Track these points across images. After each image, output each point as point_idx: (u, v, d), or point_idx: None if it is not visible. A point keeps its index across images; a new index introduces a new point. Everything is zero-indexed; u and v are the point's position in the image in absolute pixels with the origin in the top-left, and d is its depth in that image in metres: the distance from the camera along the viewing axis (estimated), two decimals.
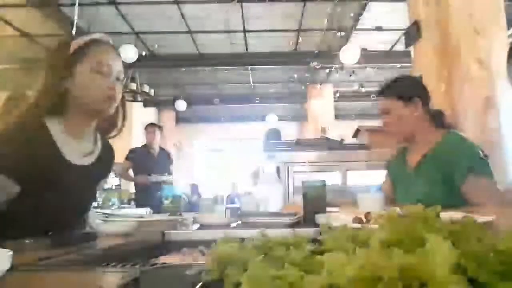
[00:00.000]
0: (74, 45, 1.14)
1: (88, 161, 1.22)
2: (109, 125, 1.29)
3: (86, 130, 1.22)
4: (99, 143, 1.28)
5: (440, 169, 1.43)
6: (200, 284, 0.41)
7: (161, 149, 4.57)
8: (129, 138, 8.90)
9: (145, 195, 4.26)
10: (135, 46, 5.94)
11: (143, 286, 0.56)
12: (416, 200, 1.49)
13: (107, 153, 1.31)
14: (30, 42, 6.28)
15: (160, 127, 4.61)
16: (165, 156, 4.57)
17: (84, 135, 1.21)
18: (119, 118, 1.29)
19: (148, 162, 4.37)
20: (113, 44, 1.22)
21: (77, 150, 1.18)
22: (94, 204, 5.17)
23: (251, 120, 11.18)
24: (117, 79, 1.18)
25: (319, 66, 7.13)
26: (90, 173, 1.22)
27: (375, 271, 0.26)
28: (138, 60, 5.91)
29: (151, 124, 4.62)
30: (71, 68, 1.13)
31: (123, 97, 1.25)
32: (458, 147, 1.44)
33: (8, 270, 0.57)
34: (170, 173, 4.38)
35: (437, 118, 1.60)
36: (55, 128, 1.13)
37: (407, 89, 1.60)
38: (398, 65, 6.71)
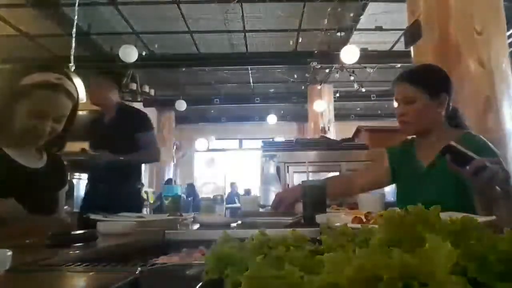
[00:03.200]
0: (27, 80, 1.22)
1: (38, 164, 1.34)
2: (54, 142, 1.39)
3: (25, 147, 1.32)
4: (44, 154, 1.39)
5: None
6: (200, 284, 0.41)
7: (122, 110, 2.57)
8: None
9: (92, 192, 2.54)
10: (135, 46, 5.93)
11: (143, 286, 0.56)
12: (426, 201, 1.44)
13: (56, 163, 1.42)
14: (30, 42, 6.29)
15: (113, 76, 2.65)
16: (124, 122, 2.50)
17: (24, 149, 1.31)
18: (65, 138, 1.42)
19: (95, 135, 2.59)
20: (65, 86, 1.28)
21: (24, 155, 1.30)
22: None
23: (251, 120, 11.19)
24: (55, 120, 1.27)
25: (319, 66, 7.14)
26: (42, 176, 1.32)
27: (375, 271, 0.26)
28: (138, 60, 5.91)
29: (97, 73, 2.66)
30: (15, 100, 1.22)
31: (70, 119, 1.35)
32: (478, 151, 1.24)
33: (8, 270, 0.57)
34: (148, 149, 2.50)
35: (452, 117, 1.49)
36: None
37: (437, 82, 1.45)
38: (398, 65, 6.71)
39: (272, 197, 1.68)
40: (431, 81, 1.45)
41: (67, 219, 1.21)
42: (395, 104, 1.49)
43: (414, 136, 1.57)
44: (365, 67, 7.07)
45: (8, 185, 1.20)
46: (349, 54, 5.64)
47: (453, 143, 1.11)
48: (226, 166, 11.48)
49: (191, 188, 8.15)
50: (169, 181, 8.54)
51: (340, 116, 9.73)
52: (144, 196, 8.49)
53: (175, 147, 10.71)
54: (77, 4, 4.19)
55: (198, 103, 9.85)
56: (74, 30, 4.05)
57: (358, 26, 6.11)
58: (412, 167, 1.53)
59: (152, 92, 7.23)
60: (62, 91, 1.27)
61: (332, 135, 7.77)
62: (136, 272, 0.57)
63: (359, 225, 0.92)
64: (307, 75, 7.95)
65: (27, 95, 1.21)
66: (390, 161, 1.63)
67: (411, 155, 1.55)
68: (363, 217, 1.04)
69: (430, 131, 1.46)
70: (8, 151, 1.25)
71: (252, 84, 9.04)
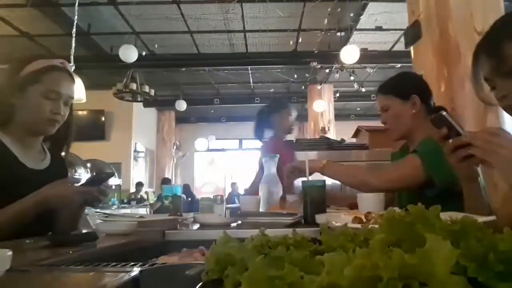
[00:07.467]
0: (31, 67, 1.23)
1: (42, 166, 1.32)
2: (58, 141, 1.41)
3: (31, 142, 1.31)
4: (48, 154, 1.38)
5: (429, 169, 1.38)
6: (200, 284, 0.41)
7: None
8: (129, 139, 8.91)
9: None
10: (135, 46, 5.93)
11: (143, 286, 0.56)
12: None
13: (58, 164, 1.40)
14: (30, 42, 6.28)
15: None
16: None
17: (30, 145, 1.31)
18: (69, 136, 1.42)
19: None
20: (69, 70, 1.33)
21: (30, 156, 1.28)
22: None
23: (251, 120, 11.15)
24: (65, 104, 1.29)
25: (319, 66, 7.13)
26: (46, 177, 1.27)
27: (375, 271, 0.26)
28: (138, 60, 5.90)
29: None
30: (23, 88, 1.22)
31: (71, 116, 1.36)
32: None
33: (8, 270, 0.57)
34: None
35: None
36: (4, 138, 1.23)
37: (404, 86, 1.58)
38: (398, 65, 6.71)
39: (271, 197, 1.68)
40: (399, 86, 1.58)
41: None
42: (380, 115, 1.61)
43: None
44: (365, 67, 7.06)
45: (9, 184, 1.16)
46: (349, 54, 5.63)
47: (444, 112, 1.06)
48: (226, 166, 11.47)
49: (186, 189, 8.05)
50: (165, 180, 8.43)
51: (340, 116, 9.73)
52: (144, 196, 8.48)
53: (175, 147, 10.72)
54: (77, 4, 4.18)
55: (198, 103, 9.85)
56: (74, 30, 4.04)
57: (358, 26, 6.11)
58: None
59: (152, 92, 7.22)
60: (67, 73, 1.31)
61: (332, 135, 7.77)
62: (136, 272, 0.58)
63: (359, 225, 0.92)
64: (307, 75, 7.95)
65: (37, 80, 1.23)
66: None
67: (406, 155, 1.60)
68: (363, 217, 1.04)
69: (412, 132, 1.54)
70: (13, 150, 1.22)
71: (252, 84, 9.04)
